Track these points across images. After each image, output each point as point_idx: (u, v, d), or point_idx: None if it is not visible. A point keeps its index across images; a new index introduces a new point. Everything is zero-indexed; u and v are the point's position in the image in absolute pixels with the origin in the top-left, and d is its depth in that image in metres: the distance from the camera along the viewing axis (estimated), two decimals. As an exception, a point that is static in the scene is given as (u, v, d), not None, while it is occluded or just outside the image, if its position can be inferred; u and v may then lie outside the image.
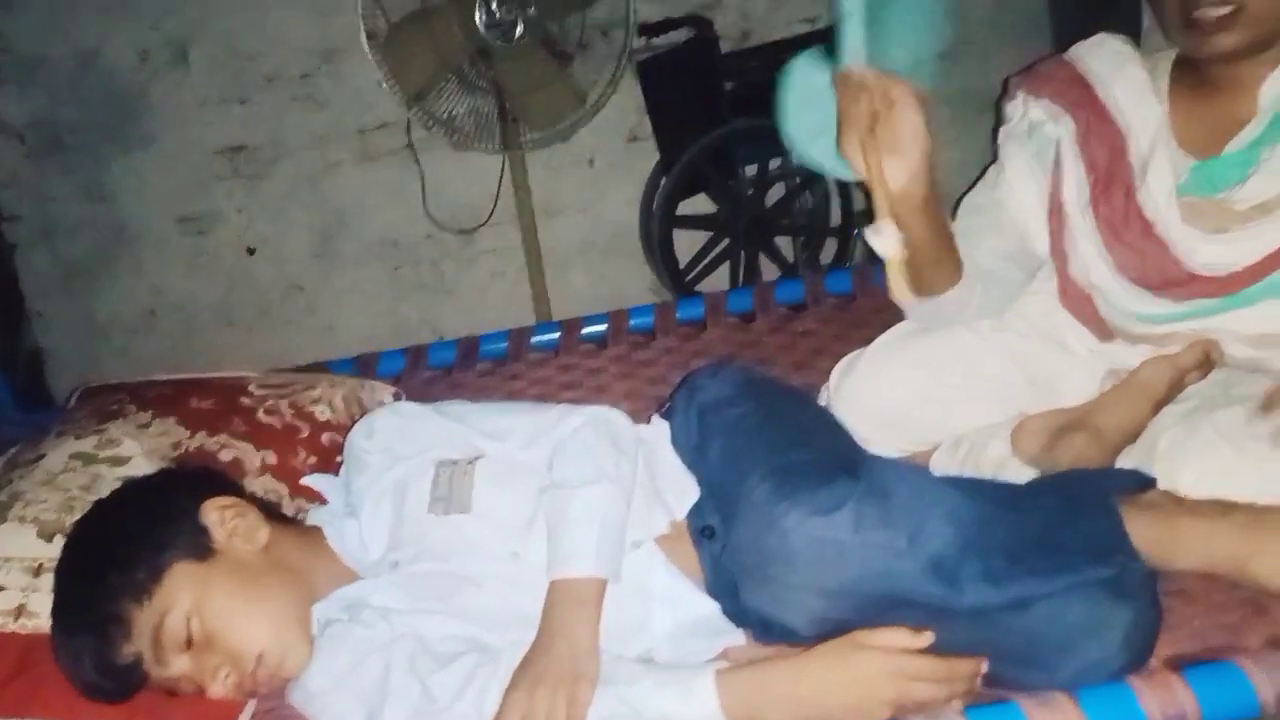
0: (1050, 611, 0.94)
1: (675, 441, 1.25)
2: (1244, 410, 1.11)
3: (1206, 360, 1.23)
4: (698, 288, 2.90)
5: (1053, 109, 1.32)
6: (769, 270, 2.96)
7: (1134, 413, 1.22)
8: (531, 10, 2.51)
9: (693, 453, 1.22)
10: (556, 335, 1.93)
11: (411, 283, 3.01)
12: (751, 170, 2.87)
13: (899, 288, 1.19)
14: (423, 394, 1.77)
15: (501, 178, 2.74)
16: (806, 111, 1.18)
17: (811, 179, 2.88)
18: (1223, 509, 1.02)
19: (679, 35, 2.78)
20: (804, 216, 2.96)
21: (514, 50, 2.54)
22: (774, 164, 2.89)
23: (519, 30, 2.52)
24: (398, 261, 2.99)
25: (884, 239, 1.15)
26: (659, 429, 1.28)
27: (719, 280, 2.93)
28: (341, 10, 2.65)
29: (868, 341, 1.45)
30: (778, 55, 2.79)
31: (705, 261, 2.94)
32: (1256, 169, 1.19)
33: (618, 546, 1.11)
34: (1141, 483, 1.09)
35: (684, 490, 1.20)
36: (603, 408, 1.24)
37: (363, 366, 1.88)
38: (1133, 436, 1.22)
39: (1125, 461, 1.20)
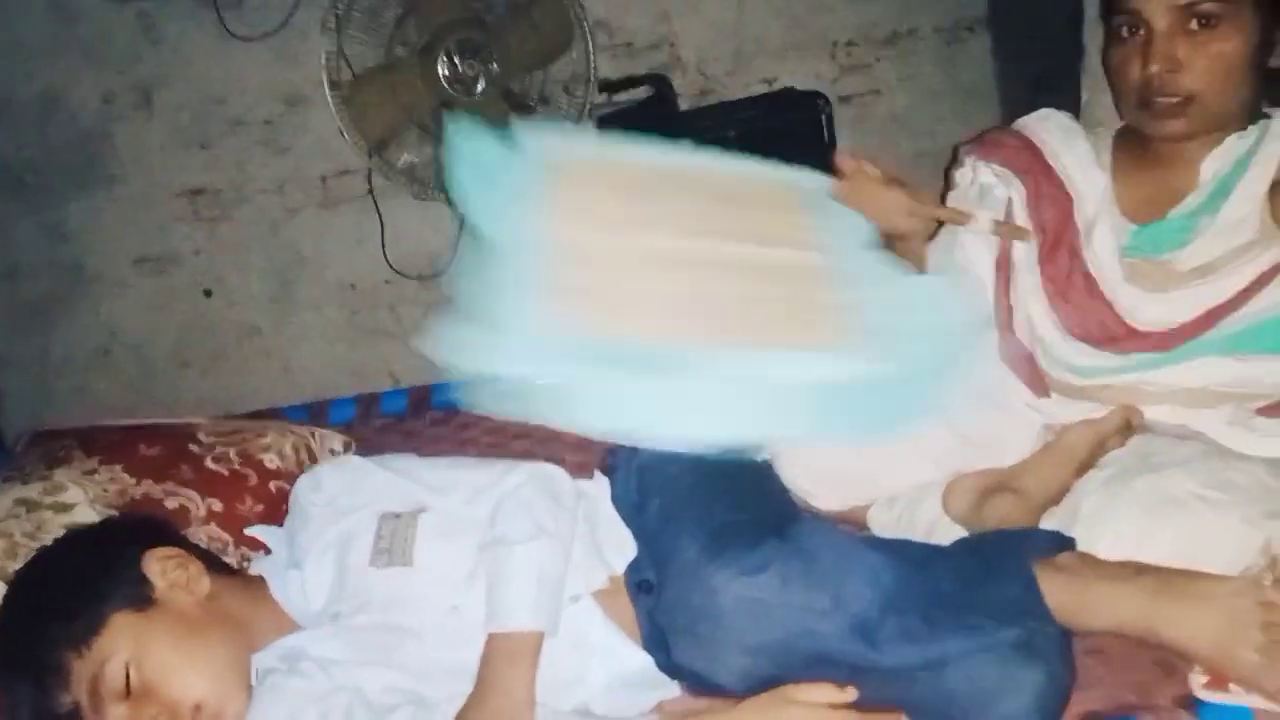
0: (965, 671, 0.97)
1: (616, 498, 1.28)
2: (1159, 478, 1.16)
3: (1127, 425, 1.28)
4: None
5: (1003, 173, 1.39)
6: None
7: (1058, 476, 1.27)
8: (494, 66, 2.57)
9: (632, 509, 1.25)
10: (507, 386, 1.96)
11: (370, 327, 3.03)
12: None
13: None
14: (374, 443, 1.79)
15: (461, 226, 2.78)
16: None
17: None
18: (1135, 571, 1.06)
19: (640, 93, 2.84)
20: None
21: (476, 103, 2.59)
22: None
23: (481, 84, 2.57)
24: (356, 306, 3.01)
25: None
26: (600, 485, 1.31)
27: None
28: (306, 59, 2.69)
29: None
30: (736, 114, 2.88)
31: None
32: (1198, 234, 1.26)
33: (555, 601, 1.14)
34: (1061, 544, 1.13)
35: (623, 546, 1.23)
36: (545, 465, 1.27)
37: (314, 414, 1.90)
38: (1056, 498, 1.26)
39: (1049, 523, 1.24)
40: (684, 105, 2.89)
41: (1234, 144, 1.26)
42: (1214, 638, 0.99)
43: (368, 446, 1.72)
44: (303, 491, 1.30)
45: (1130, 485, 1.17)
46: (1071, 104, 1.95)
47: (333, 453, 1.66)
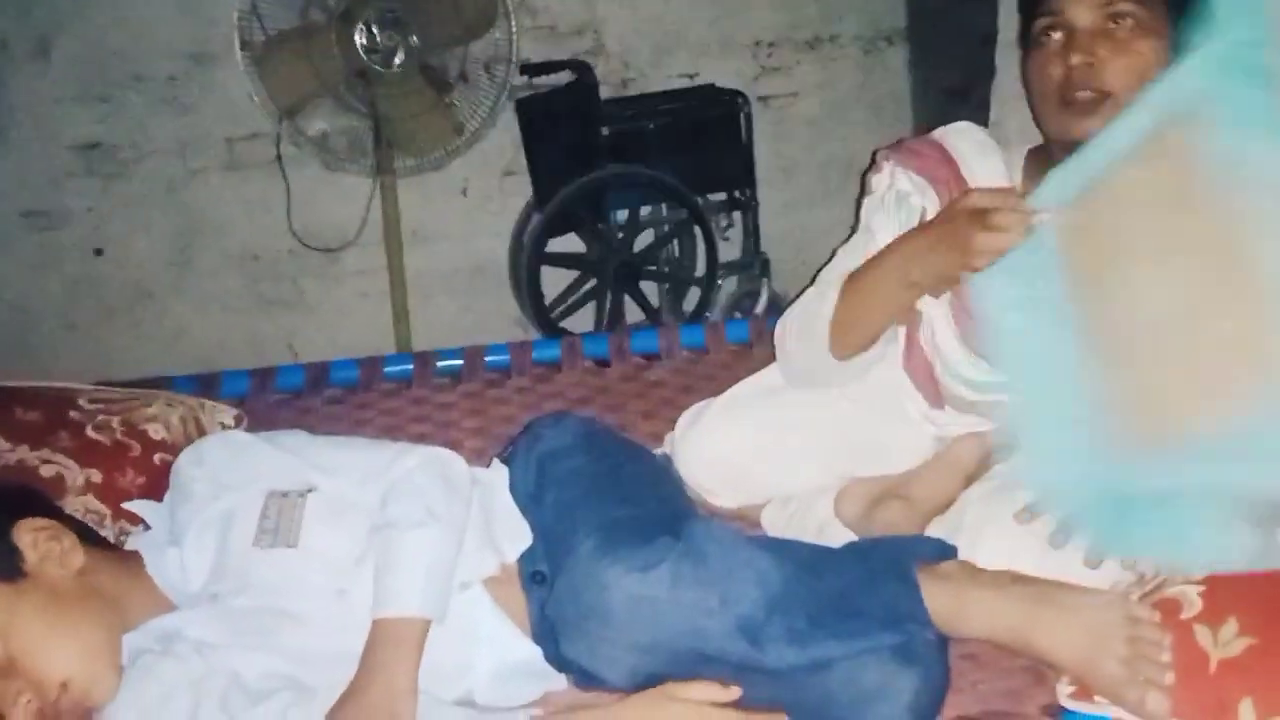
0: (846, 673, 0.99)
1: (513, 487, 1.27)
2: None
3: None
4: (562, 325, 2.93)
5: (919, 182, 1.41)
6: (634, 313, 3.01)
7: (945, 485, 1.30)
8: (414, 39, 2.52)
9: (529, 500, 1.24)
10: (410, 367, 1.93)
11: (271, 298, 2.96)
12: (623, 215, 2.93)
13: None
14: (268, 418, 1.74)
15: (371, 200, 2.73)
16: None
17: (681, 227, 2.95)
18: (1011, 581, 1.09)
19: (561, 77, 2.82)
20: (671, 264, 3.03)
21: (393, 76, 2.54)
22: (645, 211, 2.95)
23: (399, 57, 2.52)
24: (257, 275, 2.93)
25: None
26: (498, 473, 1.30)
27: (584, 319, 2.97)
28: (216, 16, 2.60)
29: (716, 395, 1.51)
30: (656, 106, 2.89)
31: (571, 300, 2.98)
32: None
33: (444, 588, 1.12)
34: (944, 552, 1.16)
35: (517, 535, 1.22)
36: (439, 449, 1.25)
37: (205, 386, 1.84)
38: (943, 507, 1.30)
39: (934, 531, 1.27)
40: (604, 93, 2.88)
41: None
42: (1080, 649, 1.02)
43: (260, 422, 1.67)
44: (185, 465, 1.26)
45: (1010, 497, 1.20)
46: (983, 119, 1.99)
47: (223, 426, 1.62)
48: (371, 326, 2.89)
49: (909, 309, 1.31)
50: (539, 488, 1.23)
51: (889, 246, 1.31)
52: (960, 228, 1.19)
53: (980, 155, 1.39)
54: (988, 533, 1.19)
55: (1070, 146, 1.28)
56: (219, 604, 1.15)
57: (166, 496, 1.29)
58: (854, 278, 1.32)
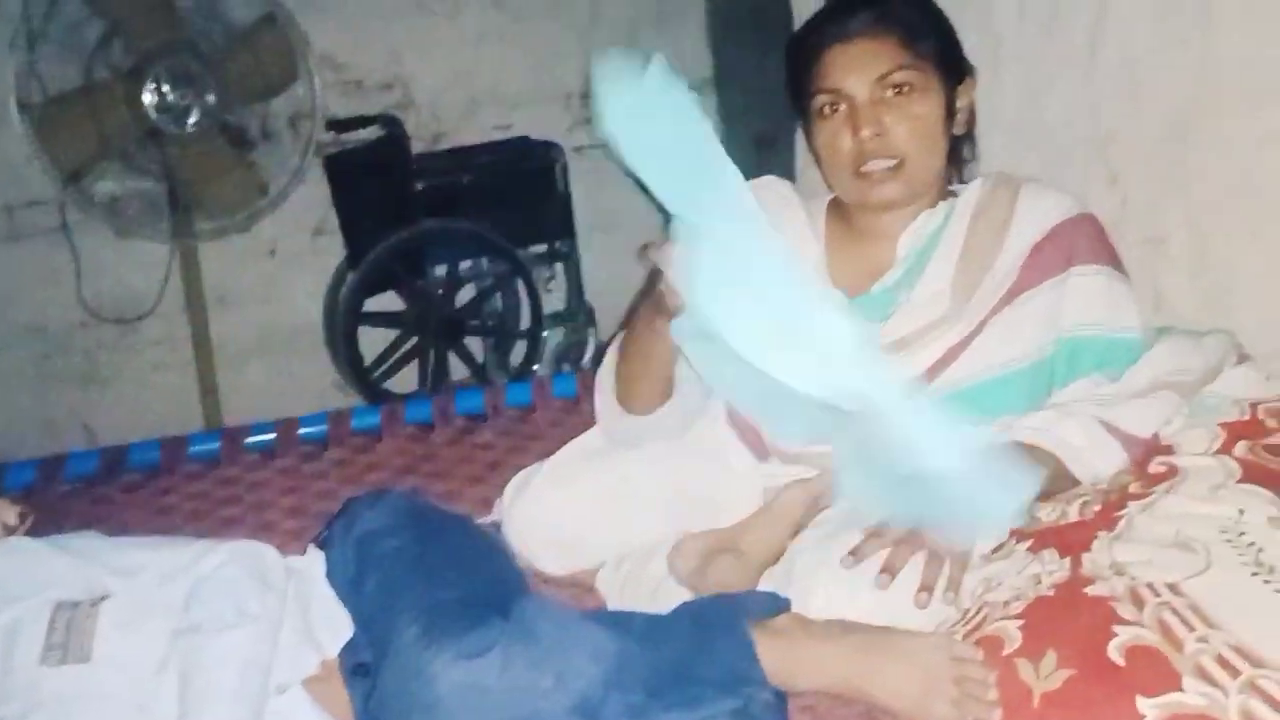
0: (685, 743, 0.98)
1: (331, 574, 1.20)
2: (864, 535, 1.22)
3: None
4: (384, 386, 2.84)
5: None
6: (459, 370, 2.95)
7: (775, 536, 1.31)
8: (210, 97, 2.41)
9: (349, 586, 1.18)
10: (217, 445, 1.82)
11: (61, 374, 2.75)
12: (442, 270, 2.88)
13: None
14: (58, 511, 1.60)
15: (170, 266, 2.58)
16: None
17: (503, 281, 2.92)
18: (842, 631, 1.10)
19: (370, 133, 2.76)
20: (494, 318, 2.99)
21: (188, 135, 2.42)
22: (465, 265, 2.91)
23: (194, 115, 2.41)
24: (46, 350, 2.72)
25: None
26: (314, 560, 1.23)
27: (407, 379, 2.89)
28: (-9, 75, 2.43)
29: (545, 454, 1.47)
30: (470, 159, 2.86)
31: (393, 360, 2.89)
32: (896, 310, 1.34)
33: (258, 694, 1.05)
34: (776, 605, 1.16)
35: (337, 627, 1.15)
36: (249, 542, 1.17)
37: (-16, 479, 1.68)
38: (775, 558, 1.30)
39: (767, 583, 1.27)
40: (416, 148, 2.84)
41: (926, 220, 1.36)
42: (912, 693, 1.04)
43: (50, 516, 1.53)
44: (-42, 579, 1.13)
45: (839, 543, 1.22)
46: (790, 166, 2.06)
47: (5, 528, 1.47)
48: (176, 400, 2.72)
49: (662, 354, 1.28)
50: (359, 572, 1.17)
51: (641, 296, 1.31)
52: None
53: (782, 209, 1.42)
54: (818, 581, 1.20)
55: (868, 208, 1.33)
56: (0, 731, 1.03)
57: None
58: (626, 329, 1.33)
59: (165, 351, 2.77)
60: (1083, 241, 1.31)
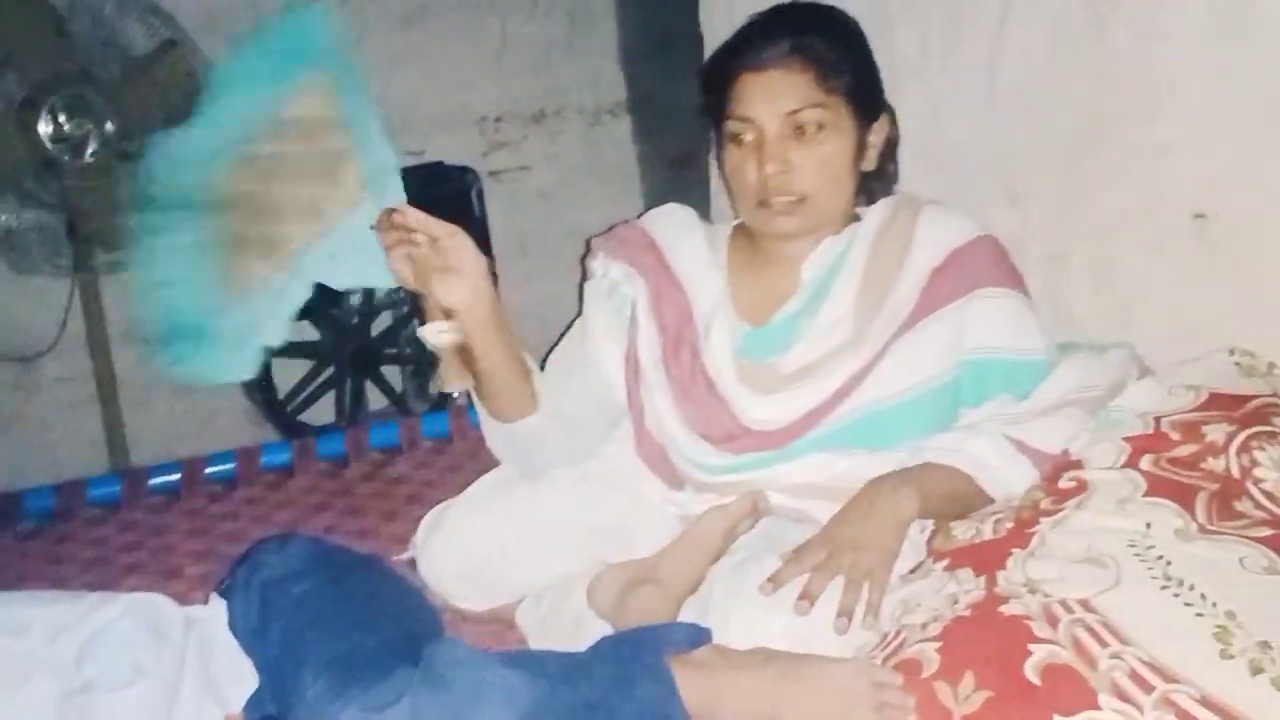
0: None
1: (234, 623, 1.15)
2: (779, 561, 1.21)
3: (755, 509, 1.33)
4: (299, 418, 2.76)
5: (628, 271, 1.41)
6: (377, 398, 2.89)
7: (693, 564, 1.29)
8: (109, 126, 2.33)
9: (253, 635, 1.13)
10: (118, 488, 1.74)
11: (-45, 417, 2.63)
12: (357, 298, 2.82)
13: (452, 376, 1.26)
14: (-55, 564, 1.52)
15: (70, 301, 2.48)
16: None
17: (419, 308, 2.87)
18: (763, 661, 1.09)
19: (278, 160, 2.69)
20: (412, 345, 2.93)
21: (87, 166, 2.33)
22: (381, 292, 2.85)
23: (92, 146, 2.32)
24: (-62, 392, 2.60)
25: (435, 331, 1.22)
26: (216, 609, 1.18)
27: (323, 410, 2.82)
28: None
29: (462, 487, 1.45)
30: (383, 185, 2.81)
31: (308, 391, 2.82)
32: (799, 337, 1.34)
33: (156, 755, 1.00)
34: (696, 636, 1.14)
35: (241, 679, 1.10)
36: (145, 594, 1.12)
37: None
38: (694, 587, 1.29)
39: (687, 612, 1.26)
40: (329, 175, 2.77)
41: (830, 245, 1.36)
42: (833, 720, 1.03)
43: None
44: None
45: (755, 569, 1.21)
46: (704, 188, 2.06)
47: (-117, 585, 1.39)
48: (80, 441, 2.61)
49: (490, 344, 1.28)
50: (263, 621, 1.12)
51: None
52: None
53: (683, 239, 1.42)
54: (735, 608, 1.18)
55: (769, 236, 1.33)
56: None
57: None
58: None
59: (67, 390, 2.65)
60: (983, 265, 1.32)
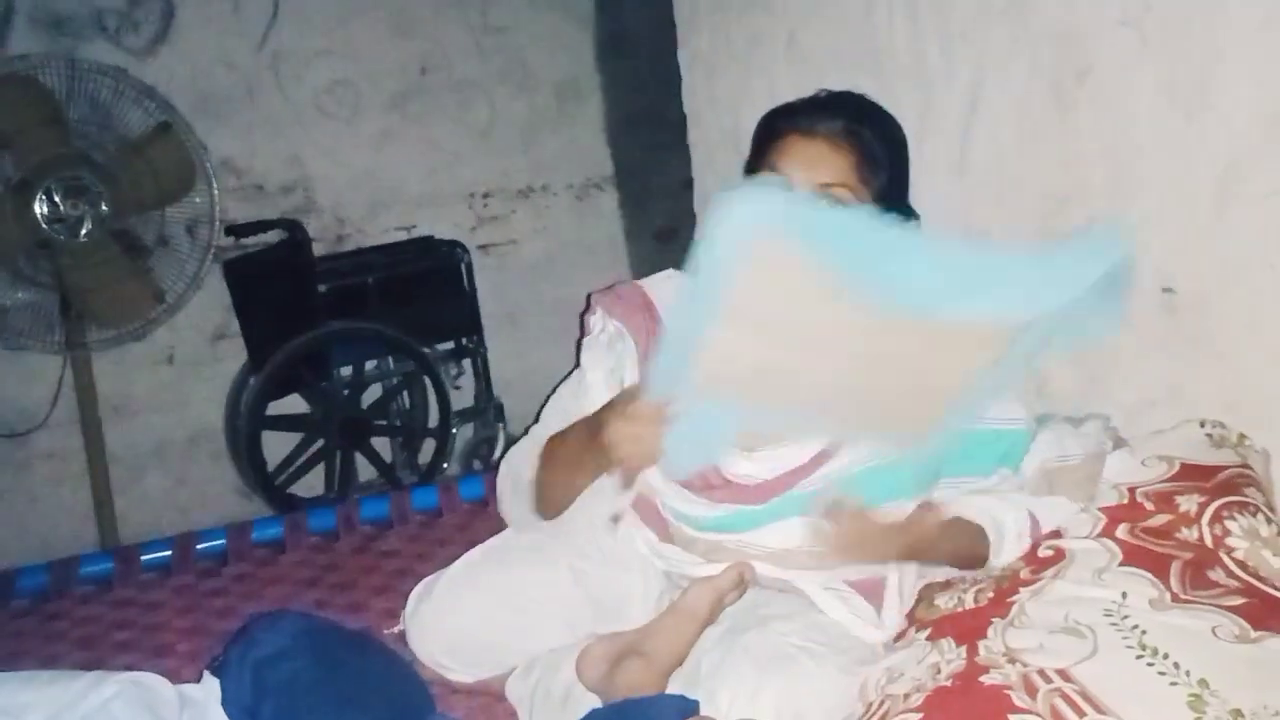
0: None
1: (226, 702, 1.16)
2: (766, 632, 1.23)
3: (742, 580, 1.35)
4: (290, 490, 2.78)
5: (621, 329, 1.44)
6: (367, 470, 2.91)
7: (681, 636, 1.31)
8: (103, 207, 2.38)
9: (245, 714, 1.14)
10: (110, 565, 1.75)
11: (-54, 493, 2.63)
12: (348, 371, 2.85)
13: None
14: (-65, 644, 1.53)
15: (62, 376, 2.51)
16: None
17: (410, 380, 2.90)
18: (749, 732, 1.11)
19: (271, 236, 2.74)
20: (401, 417, 2.96)
21: (81, 245, 2.38)
22: (370, 365, 2.89)
23: (87, 226, 2.37)
24: (-72, 468, 2.61)
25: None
26: (210, 687, 1.19)
27: (314, 482, 2.83)
28: None
29: (452, 560, 1.46)
30: (374, 260, 2.86)
31: (299, 463, 2.84)
32: None
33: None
34: (685, 709, 1.15)
35: (234, 758, 1.11)
36: (141, 674, 1.13)
37: None
38: (681, 658, 1.30)
39: (675, 684, 1.27)
40: (319, 250, 2.83)
41: None
42: (819, 791, 1.04)
43: (-74, 651, 1.46)
44: None
45: (742, 640, 1.23)
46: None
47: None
48: (70, 516, 2.62)
49: (591, 473, 1.30)
50: (255, 699, 1.13)
51: (584, 420, 1.32)
52: (605, 424, 1.21)
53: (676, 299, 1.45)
54: (725, 679, 1.20)
55: None
56: None
57: None
58: (554, 440, 1.34)
59: (58, 465, 2.67)
60: None
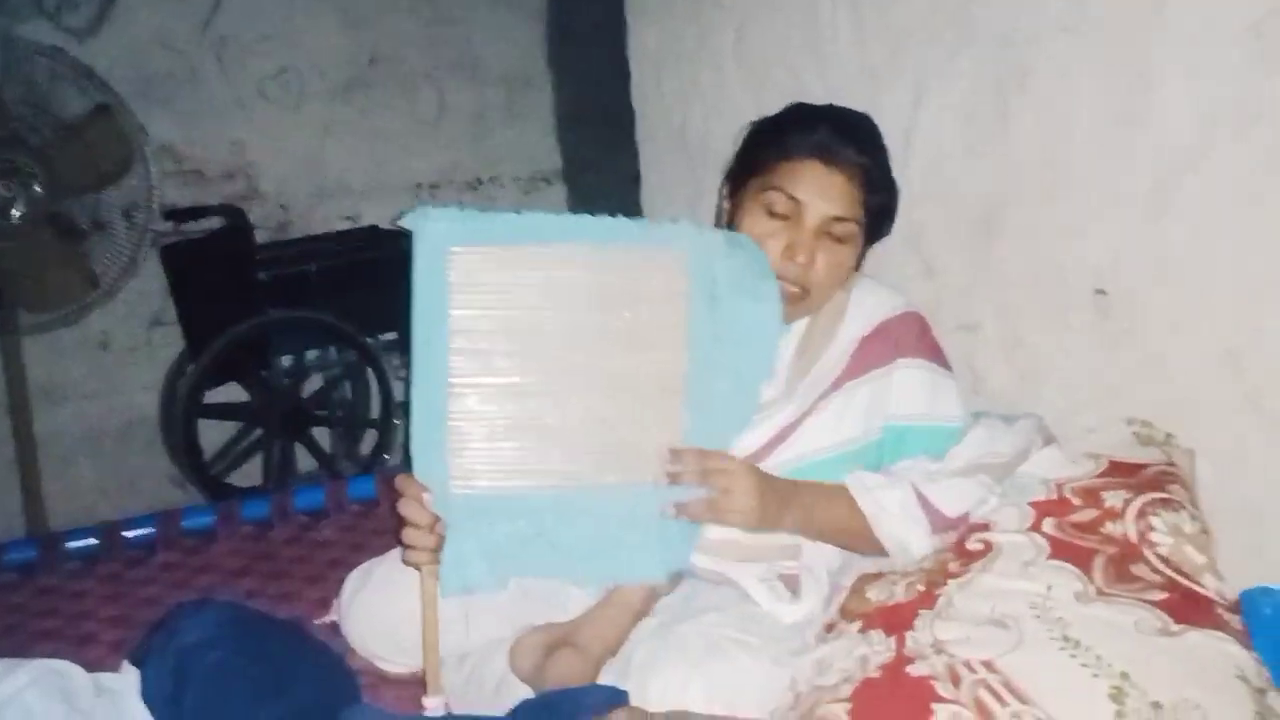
0: None
1: (146, 691, 1.14)
2: (699, 624, 1.23)
3: (676, 573, 1.35)
4: (226, 480, 2.73)
5: None
6: (307, 461, 2.87)
7: (616, 627, 1.30)
8: (37, 189, 2.32)
9: (166, 704, 1.11)
10: (33, 553, 1.71)
11: None
12: (288, 361, 2.81)
13: None
14: None
15: (-9, 361, 2.45)
16: None
17: (352, 370, 2.86)
18: (680, 720, 1.10)
19: (212, 222, 2.70)
20: (343, 408, 2.92)
21: (13, 227, 2.32)
22: (312, 355, 2.84)
23: (19, 208, 2.31)
24: None
25: None
26: (129, 677, 1.16)
27: (251, 471, 2.79)
28: None
29: (387, 550, 1.44)
30: (318, 248, 2.82)
31: (235, 453, 2.79)
32: None
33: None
34: (615, 699, 1.15)
35: (151, 748, 1.09)
36: (55, 662, 1.10)
37: None
38: (614, 650, 1.30)
39: (607, 675, 1.26)
40: (261, 237, 2.78)
41: None
42: (747, 782, 1.04)
43: None
44: None
45: (675, 631, 1.23)
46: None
47: None
48: (-4, 502, 2.56)
49: None
50: (177, 688, 1.10)
51: None
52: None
53: None
54: (657, 669, 1.20)
55: None
56: None
57: None
58: None
59: (-15, 452, 2.61)
60: (907, 337, 1.37)
